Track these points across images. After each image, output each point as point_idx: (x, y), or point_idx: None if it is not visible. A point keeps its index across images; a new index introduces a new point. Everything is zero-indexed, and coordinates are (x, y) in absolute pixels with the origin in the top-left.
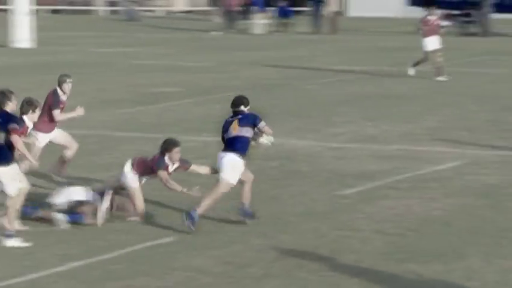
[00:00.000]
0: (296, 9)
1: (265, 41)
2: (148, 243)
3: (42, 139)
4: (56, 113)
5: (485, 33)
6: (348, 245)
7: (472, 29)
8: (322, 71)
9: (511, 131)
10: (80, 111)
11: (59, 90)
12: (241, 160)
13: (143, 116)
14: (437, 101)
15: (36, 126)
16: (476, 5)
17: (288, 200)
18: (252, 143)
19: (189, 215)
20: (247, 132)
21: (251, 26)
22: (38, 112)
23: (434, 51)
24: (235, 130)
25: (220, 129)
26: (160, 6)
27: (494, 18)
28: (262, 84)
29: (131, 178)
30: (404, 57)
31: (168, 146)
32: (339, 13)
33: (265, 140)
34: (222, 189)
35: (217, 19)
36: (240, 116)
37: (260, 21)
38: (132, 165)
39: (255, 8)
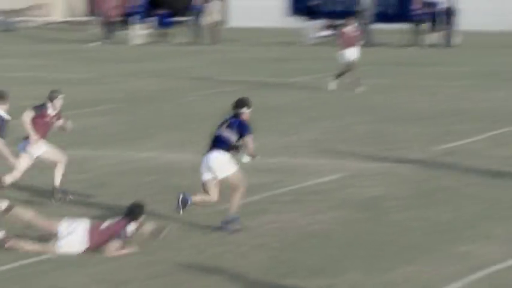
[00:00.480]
0: (176, 19)
1: (144, 52)
2: (24, 262)
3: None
4: (27, 113)
5: (366, 43)
6: (228, 261)
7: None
8: (202, 83)
9: (391, 143)
10: (34, 139)
11: (49, 104)
12: (227, 155)
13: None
14: (318, 112)
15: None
16: (357, 15)
17: (166, 216)
18: (235, 155)
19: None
20: (231, 135)
21: (130, 36)
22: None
23: (352, 63)
24: (222, 130)
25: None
26: (36, 16)
27: (376, 28)
28: (141, 96)
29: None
30: (285, 68)
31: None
32: (219, 23)
33: (244, 160)
34: (240, 180)
35: (96, 30)
36: (232, 120)
37: (139, 32)
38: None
39: (134, 18)
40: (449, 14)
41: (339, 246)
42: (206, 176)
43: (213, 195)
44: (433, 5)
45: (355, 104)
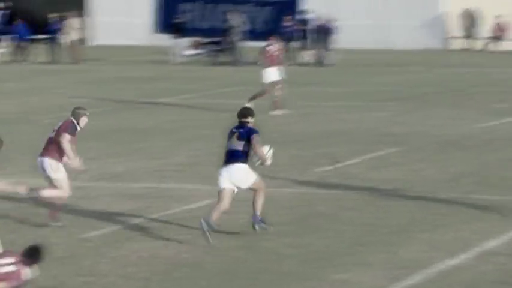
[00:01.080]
0: (34, 37)
1: (1, 72)
2: None
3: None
4: (65, 138)
5: (236, 62)
6: None
7: (223, 57)
8: (62, 104)
9: (263, 167)
10: (78, 165)
11: (75, 122)
12: (246, 166)
13: None
14: (188, 134)
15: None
16: (226, 33)
17: (24, 245)
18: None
19: (259, 222)
20: (243, 146)
21: None
22: None
23: (273, 84)
24: (235, 143)
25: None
26: None
27: (246, 46)
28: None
29: None
30: (153, 88)
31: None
32: (81, 41)
33: (259, 163)
34: (262, 184)
35: None
36: (241, 130)
37: None
38: None
39: None
40: (324, 31)
41: (211, 276)
42: (225, 185)
43: (227, 203)
44: (305, 22)
45: (224, 126)
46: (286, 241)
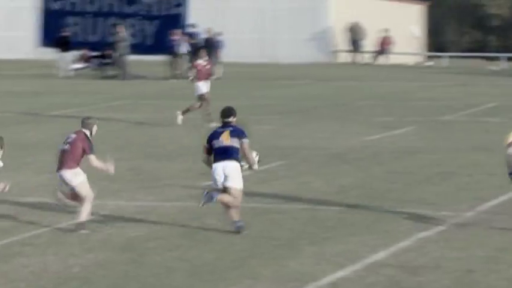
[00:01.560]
0: None
1: None
2: None
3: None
4: (93, 157)
5: (124, 76)
6: None
7: (111, 71)
8: None
9: (153, 180)
10: (111, 168)
11: (88, 133)
12: (238, 165)
13: None
14: None
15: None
16: (113, 46)
17: None
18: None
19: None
20: (237, 143)
21: None
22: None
23: (203, 97)
24: (228, 140)
25: (206, 139)
26: None
27: (133, 59)
28: None
29: None
30: (39, 102)
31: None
32: None
33: (246, 167)
34: (240, 196)
35: None
36: (231, 128)
37: None
38: None
39: None
40: (211, 45)
41: None
42: (225, 183)
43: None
44: (193, 35)
45: (115, 140)
46: (175, 254)
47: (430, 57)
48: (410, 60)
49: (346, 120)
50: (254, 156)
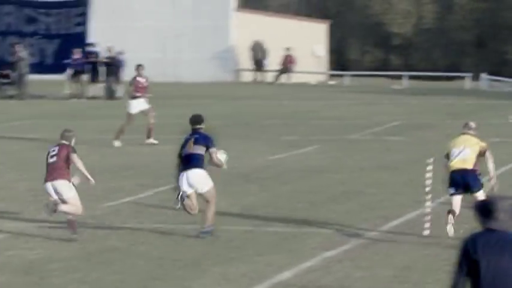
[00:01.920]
0: None
1: None
2: None
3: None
4: (75, 156)
5: (23, 95)
6: None
7: (10, 91)
8: None
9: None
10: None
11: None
12: (204, 170)
13: None
14: None
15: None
16: (12, 66)
17: None
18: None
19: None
20: (201, 150)
21: None
22: None
23: (144, 113)
24: (191, 148)
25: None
26: None
27: (33, 79)
28: None
29: None
30: None
31: None
32: None
33: (219, 157)
34: (215, 194)
35: None
36: (196, 136)
37: None
38: None
39: None
40: (114, 64)
41: None
42: (189, 190)
43: (196, 207)
44: (94, 55)
45: (15, 161)
46: (75, 277)
47: (332, 76)
48: (313, 79)
49: (250, 139)
50: (222, 156)
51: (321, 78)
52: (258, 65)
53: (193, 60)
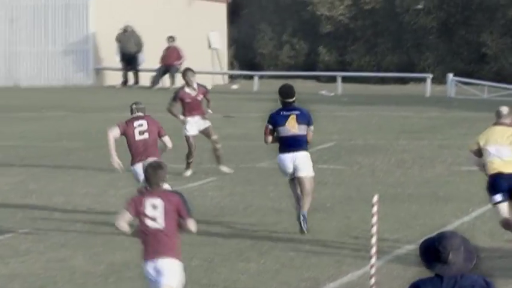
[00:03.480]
0: None
1: None
2: None
3: None
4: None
5: None
6: None
7: None
8: None
9: None
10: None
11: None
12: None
13: None
14: None
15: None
16: None
17: None
18: None
19: (304, 217)
20: (304, 131)
21: None
22: None
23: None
24: (295, 128)
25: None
26: None
27: None
28: None
29: None
30: None
31: None
32: None
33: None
34: (312, 185)
35: None
36: (297, 112)
37: None
38: None
39: None
40: None
41: None
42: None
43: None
44: None
45: None
46: None
47: (235, 78)
48: (207, 81)
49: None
50: None
51: (219, 80)
52: (128, 62)
53: (34, 56)
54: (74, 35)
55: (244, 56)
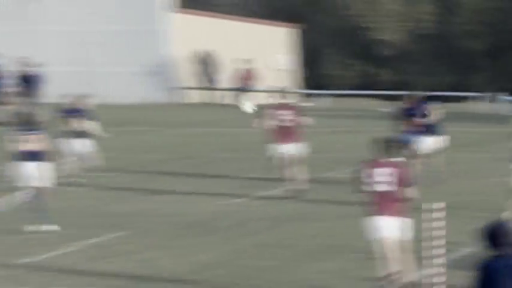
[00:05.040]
0: None
1: None
2: None
3: None
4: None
5: None
6: None
7: None
8: None
9: None
10: None
11: None
12: None
13: None
14: None
15: None
16: None
17: None
18: None
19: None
20: None
21: None
22: None
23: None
24: None
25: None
26: None
27: None
28: None
29: None
30: None
31: None
32: None
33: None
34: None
35: None
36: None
37: None
38: None
39: None
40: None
41: None
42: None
43: None
44: None
45: None
46: None
47: (305, 96)
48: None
49: (199, 178)
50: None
51: (293, 99)
52: (207, 81)
53: (119, 76)
54: (153, 57)
55: (313, 76)
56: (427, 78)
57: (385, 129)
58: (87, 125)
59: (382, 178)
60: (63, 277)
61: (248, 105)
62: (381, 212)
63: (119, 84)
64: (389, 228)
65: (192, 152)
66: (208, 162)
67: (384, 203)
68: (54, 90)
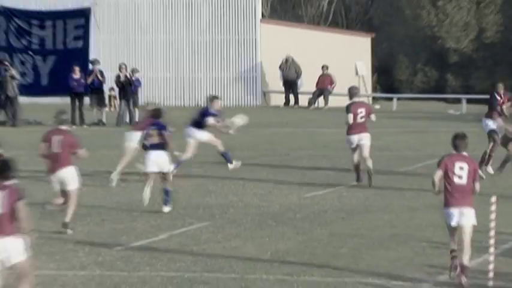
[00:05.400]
0: None
1: None
2: None
3: None
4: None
5: (14, 121)
6: None
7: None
8: None
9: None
10: None
11: None
12: None
13: None
14: None
15: None
16: (0, 86)
17: None
18: None
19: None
20: None
21: None
22: None
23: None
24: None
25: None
26: None
27: (25, 102)
28: None
29: None
30: None
31: None
32: None
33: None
34: None
35: None
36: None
37: None
38: None
39: None
40: (127, 86)
41: None
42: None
43: None
44: (100, 73)
45: None
46: None
47: (377, 99)
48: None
49: (281, 173)
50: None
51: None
52: (289, 86)
53: (213, 81)
54: (245, 64)
55: (385, 81)
56: (490, 83)
57: (453, 130)
58: (227, 122)
59: (460, 172)
60: (160, 263)
61: (240, 116)
62: (459, 203)
63: (216, 89)
64: (468, 217)
65: (275, 149)
66: (288, 159)
67: (460, 194)
68: (145, 94)
